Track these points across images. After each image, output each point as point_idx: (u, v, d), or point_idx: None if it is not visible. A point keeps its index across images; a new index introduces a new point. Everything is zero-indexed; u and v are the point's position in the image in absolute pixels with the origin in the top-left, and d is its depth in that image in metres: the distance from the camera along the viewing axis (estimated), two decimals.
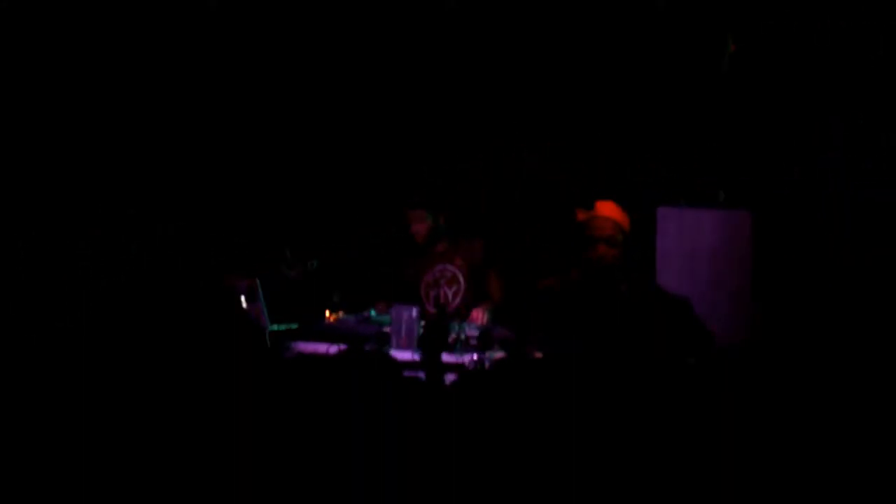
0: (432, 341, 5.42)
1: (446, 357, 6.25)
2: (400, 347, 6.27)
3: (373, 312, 6.86)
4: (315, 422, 3.40)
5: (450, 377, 6.00)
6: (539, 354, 5.39)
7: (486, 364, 5.96)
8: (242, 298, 6.65)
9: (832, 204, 6.98)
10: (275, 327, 6.61)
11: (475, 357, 6.10)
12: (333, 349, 6.18)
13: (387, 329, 6.45)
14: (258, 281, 6.62)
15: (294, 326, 6.64)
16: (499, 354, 6.03)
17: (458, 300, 7.15)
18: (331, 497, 3.28)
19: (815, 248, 6.97)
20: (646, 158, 7.53)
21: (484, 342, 6.27)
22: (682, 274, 6.91)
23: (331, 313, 6.81)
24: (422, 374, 5.90)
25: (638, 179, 7.41)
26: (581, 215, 5.61)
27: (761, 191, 7.11)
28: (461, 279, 7.18)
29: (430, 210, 7.21)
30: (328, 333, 6.51)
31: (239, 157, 8.12)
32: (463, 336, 6.30)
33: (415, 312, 6.36)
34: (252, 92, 8.04)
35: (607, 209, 5.63)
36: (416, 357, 6.16)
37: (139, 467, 3.66)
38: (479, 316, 6.88)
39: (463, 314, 6.97)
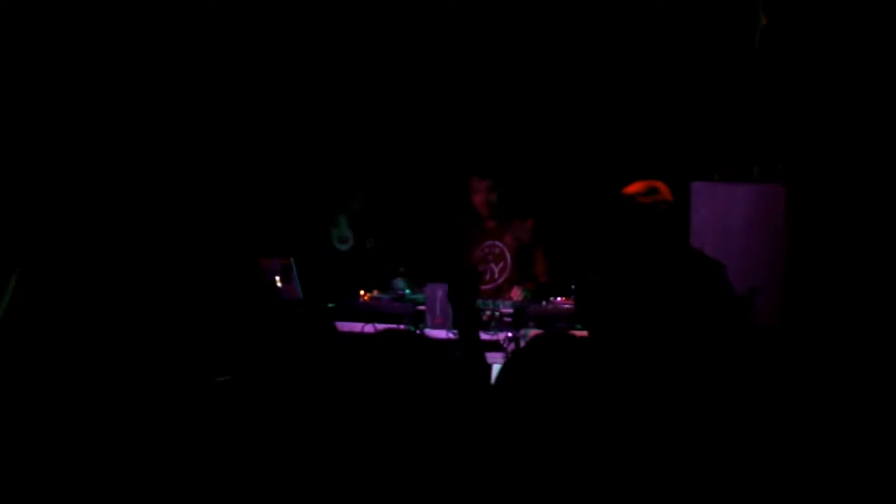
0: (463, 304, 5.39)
1: (481, 335, 6.27)
2: (435, 326, 6.29)
3: (407, 291, 6.87)
4: (351, 400, 3.41)
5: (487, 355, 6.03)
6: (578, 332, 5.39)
7: (521, 342, 5.98)
8: (277, 278, 6.68)
9: (867, 178, 6.95)
10: (310, 307, 6.64)
11: (510, 334, 6.12)
12: (369, 328, 6.21)
13: (421, 307, 6.47)
14: (292, 260, 6.64)
15: (330, 305, 6.67)
16: (533, 332, 6.04)
17: (503, 277, 7.17)
18: (366, 477, 3.29)
19: (851, 224, 6.94)
20: (679, 133, 7.50)
21: (518, 319, 6.29)
22: (716, 249, 6.88)
23: (365, 292, 6.83)
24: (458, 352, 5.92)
25: (671, 154, 7.39)
26: (646, 199, 5.56)
27: (796, 165, 7.07)
28: (508, 256, 7.20)
29: (494, 182, 7.22)
30: (363, 312, 6.54)
31: (284, 136, 8.14)
32: (497, 314, 6.31)
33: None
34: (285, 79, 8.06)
35: (666, 191, 5.59)
36: (451, 335, 6.18)
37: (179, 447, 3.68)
38: (516, 293, 6.90)
39: (505, 291, 6.99)
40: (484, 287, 7.13)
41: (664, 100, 7.58)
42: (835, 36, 7.02)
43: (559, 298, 6.62)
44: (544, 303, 6.59)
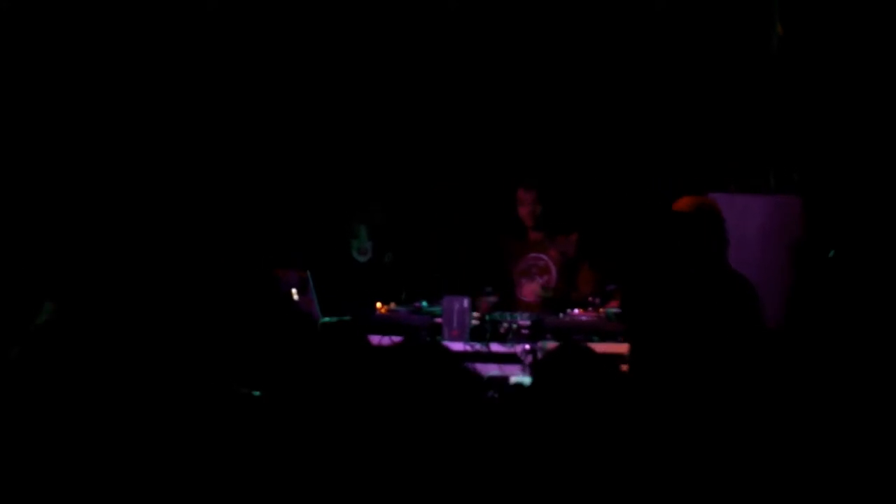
0: None
1: (497, 347, 6.27)
2: (452, 338, 6.29)
3: (424, 303, 6.87)
4: (367, 411, 3.41)
5: (504, 367, 6.03)
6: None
7: (539, 354, 5.98)
8: (294, 291, 6.69)
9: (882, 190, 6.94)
10: (326, 319, 6.64)
11: (527, 347, 6.12)
12: (386, 340, 6.21)
13: (438, 320, 6.47)
14: (309, 273, 6.65)
15: (346, 318, 6.67)
16: (551, 344, 6.04)
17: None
18: (381, 485, 3.29)
19: (866, 234, 6.93)
20: (696, 144, 7.50)
21: (535, 331, 6.29)
22: (732, 260, 6.88)
23: (382, 305, 6.83)
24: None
25: (688, 165, 7.39)
26: (715, 211, 5.56)
27: (811, 175, 7.07)
28: (553, 270, 7.20)
29: (540, 193, 7.23)
30: (380, 325, 6.54)
31: (305, 144, 8.13)
32: (515, 326, 6.31)
33: (466, 303, 6.38)
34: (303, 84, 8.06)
35: (717, 207, 5.60)
36: (468, 348, 6.18)
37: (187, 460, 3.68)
38: (531, 292, 6.92)
39: (554, 306, 6.97)
40: (528, 300, 7.14)
41: (681, 111, 7.58)
42: (851, 45, 7.02)
43: (576, 311, 6.62)
44: (561, 315, 6.59)
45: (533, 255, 7.26)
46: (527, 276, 7.23)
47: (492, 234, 7.47)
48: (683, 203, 5.43)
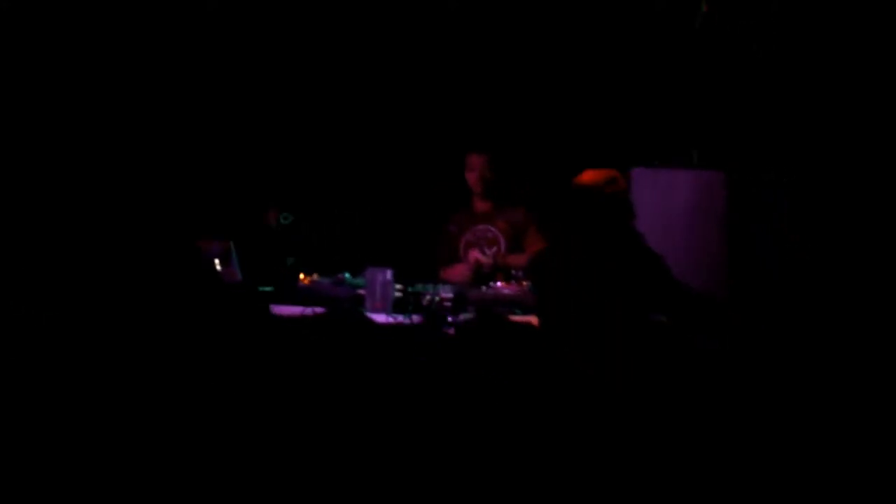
0: None
1: (419, 319, 6.27)
2: (375, 310, 6.28)
3: (347, 275, 6.85)
4: (295, 382, 3.40)
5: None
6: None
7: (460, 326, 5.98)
8: (216, 261, 6.63)
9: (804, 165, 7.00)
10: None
11: (449, 319, 6.11)
12: (308, 311, 6.18)
13: (362, 292, 6.46)
14: (232, 244, 6.61)
15: (269, 289, 6.64)
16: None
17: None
18: (314, 457, 3.28)
19: (790, 209, 6.99)
20: (619, 119, 7.53)
21: (458, 304, 6.28)
22: (657, 234, 6.91)
23: (305, 276, 6.80)
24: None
25: (612, 140, 7.41)
26: (616, 186, 5.57)
27: (735, 151, 7.11)
28: (501, 241, 7.19)
29: (491, 160, 7.21)
30: (303, 296, 6.51)
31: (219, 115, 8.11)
32: (437, 298, 6.31)
33: (389, 275, 6.37)
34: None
35: (622, 179, 5.62)
36: (391, 319, 6.17)
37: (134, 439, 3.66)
38: (478, 256, 6.93)
39: (498, 276, 6.98)
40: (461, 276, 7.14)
41: (603, 84, 7.60)
42: (775, 19, 7.06)
43: (499, 283, 6.62)
44: (484, 288, 6.59)
45: (482, 226, 7.26)
46: (475, 247, 7.22)
47: (436, 207, 7.46)
48: (585, 176, 5.45)
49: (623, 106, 7.54)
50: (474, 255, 7.19)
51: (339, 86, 8.13)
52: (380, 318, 6.14)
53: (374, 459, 3.23)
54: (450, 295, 6.36)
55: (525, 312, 6.16)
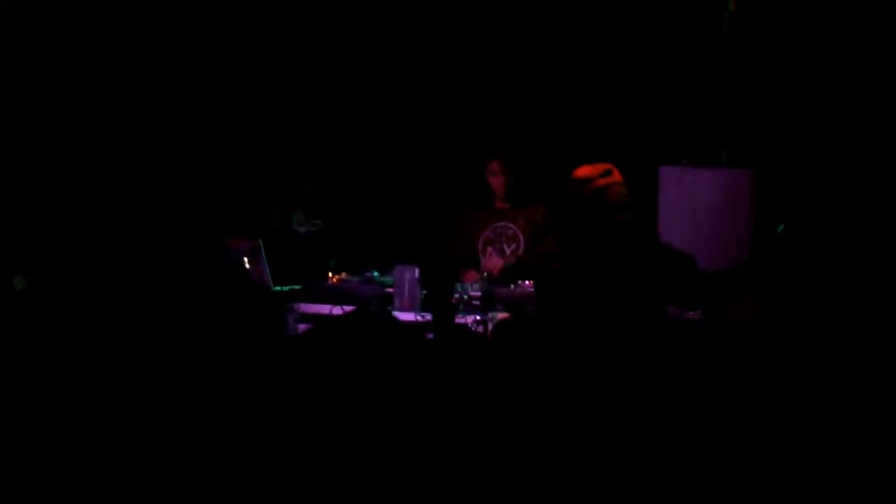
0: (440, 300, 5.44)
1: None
2: (402, 308, 6.30)
3: (375, 273, 6.87)
4: (321, 380, 3.42)
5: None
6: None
7: (489, 325, 6.00)
8: (245, 260, 6.67)
9: (832, 164, 6.99)
10: (278, 288, 6.64)
11: (478, 317, 6.13)
12: (337, 310, 6.21)
13: (390, 290, 6.47)
14: (261, 242, 6.64)
15: (297, 287, 6.66)
16: (501, 315, 6.06)
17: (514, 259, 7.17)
18: (336, 455, 3.31)
19: (815, 208, 6.99)
20: (647, 117, 7.53)
21: (487, 303, 6.30)
22: (683, 233, 6.92)
23: (333, 274, 6.83)
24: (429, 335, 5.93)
25: (639, 138, 7.42)
26: (601, 182, 5.56)
27: (762, 150, 7.11)
28: (521, 238, 7.20)
29: (506, 163, 7.23)
30: (331, 294, 6.54)
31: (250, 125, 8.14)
32: (466, 297, 6.33)
33: (417, 273, 6.38)
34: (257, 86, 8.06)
35: (618, 173, 5.61)
36: (419, 318, 6.19)
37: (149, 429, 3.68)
38: (494, 265, 6.93)
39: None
40: (492, 272, 7.15)
41: (632, 84, 7.60)
42: (802, 20, 7.06)
43: (527, 282, 6.64)
44: (512, 286, 6.61)
45: (501, 223, 7.26)
46: (494, 244, 7.23)
47: (453, 207, 7.48)
48: (578, 171, 5.43)
49: (652, 105, 7.54)
50: (492, 262, 7.19)
51: (362, 90, 8.15)
52: (407, 316, 6.16)
53: (392, 457, 3.25)
54: (478, 293, 6.38)
55: None
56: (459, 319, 6.20)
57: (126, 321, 6.40)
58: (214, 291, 6.59)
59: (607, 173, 5.34)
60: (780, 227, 6.82)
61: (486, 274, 6.86)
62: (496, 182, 7.27)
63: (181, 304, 6.50)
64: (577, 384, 4.06)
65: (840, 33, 6.98)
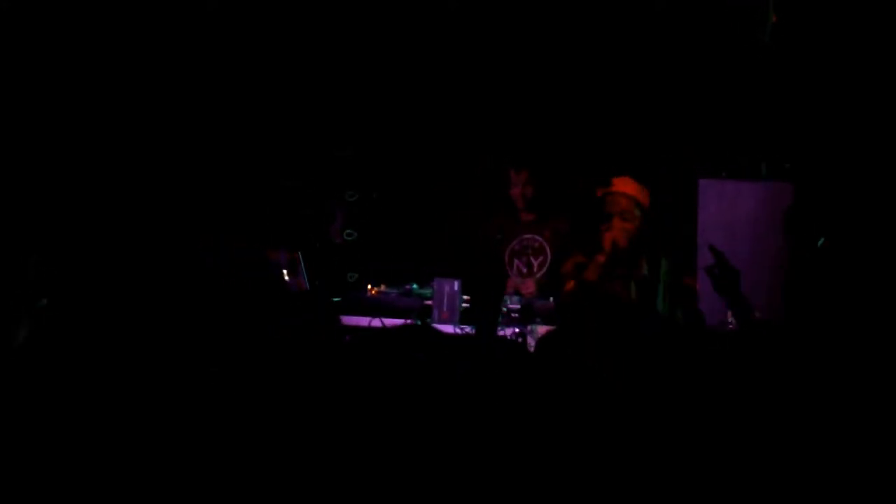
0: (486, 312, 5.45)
1: None
2: (442, 321, 6.31)
3: (415, 286, 6.88)
4: (360, 393, 3.41)
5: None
6: None
7: (529, 337, 5.99)
8: (284, 272, 6.69)
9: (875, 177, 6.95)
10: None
11: (517, 330, 6.13)
12: (376, 322, 6.22)
13: (429, 302, 6.48)
14: (300, 254, 6.66)
15: (336, 300, 6.68)
16: (541, 328, 6.05)
17: (542, 271, 7.15)
18: (375, 472, 3.29)
19: (856, 222, 6.95)
20: (687, 130, 7.51)
21: (526, 315, 6.30)
22: (723, 246, 6.88)
23: (372, 287, 6.84)
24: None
25: (679, 152, 7.40)
26: (599, 192, 5.59)
27: (803, 163, 7.08)
28: (548, 251, 7.18)
29: (531, 174, 7.23)
30: (370, 307, 6.55)
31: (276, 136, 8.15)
32: (505, 309, 6.32)
33: (456, 286, 6.39)
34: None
35: (622, 184, 5.62)
36: (458, 331, 6.20)
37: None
38: (530, 287, 6.91)
39: (547, 286, 6.96)
40: (524, 280, 7.12)
41: (672, 96, 7.59)
42: (844, 33, 7.03)
43: None
44: (551, 298, 6.60)
45: (528, 235, 7.25)
46: (521, 256, 7.22)
47: (480, 216, 7.46)
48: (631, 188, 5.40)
49: (692, 117, 7.52)
50: (527, 287, 7.15)
51: (394, 101, 8.16)
52: (447, 328, 6.16)
53: (427, 470, 3.24)
54: (517, 306, 6.38)
55: None
56: (498, 332, 6.20)
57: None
58: (252, 302, 6.60)
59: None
60: (821, 241, 6.77)
61: (516, 291, 6.86)
62: (514, 192, 7.25)
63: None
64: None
65: (883, 47, 6.94)
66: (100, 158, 7.62)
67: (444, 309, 6.37)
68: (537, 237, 7.23)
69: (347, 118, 8.18)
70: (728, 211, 7.05)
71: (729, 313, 5.85)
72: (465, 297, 6.49)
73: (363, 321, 6.36)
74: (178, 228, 7.67)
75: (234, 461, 3.45)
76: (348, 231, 7.54)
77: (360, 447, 3.24)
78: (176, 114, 7.83)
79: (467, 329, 6.24)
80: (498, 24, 7.93)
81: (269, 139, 8.11)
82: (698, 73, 7.48)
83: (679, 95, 7.58)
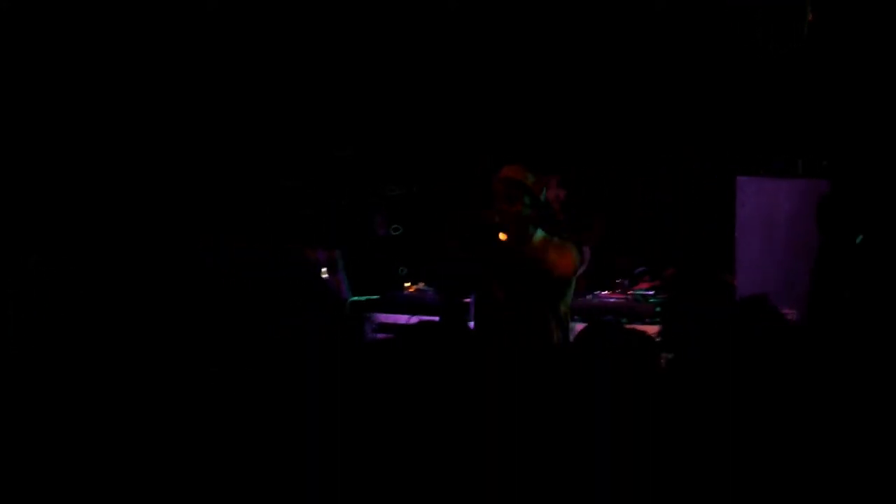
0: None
1: None
2: None
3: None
4: (394, 391, 3.43)
5: None
6: None
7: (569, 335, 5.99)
8: (323, 270, 6.72)
9: None
10: (355, 298, 6.68)
11: None
12: (413, 320, 6.23)
13: (467, 300, 6.49)
14: (338, 252, 6.69)
15: (375, 297, 6.70)
16: (580, 325, 6.04)
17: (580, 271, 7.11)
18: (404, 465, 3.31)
19: (894, 218, 6.93)
20: (725, 128, 7.51)
21: None
22: (762, 243, 6.89)
23: (411, 284, 6.86)
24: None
25: (717, 149, 7.40)
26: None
27: (840, 160, 7.06)
28: (585, 251, 7.15)
29: (563, 178, 7.23)
30: (407, 304, 6.56)
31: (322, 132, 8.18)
32: None
33: None
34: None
35: (509, 170, 5.70)
36: None
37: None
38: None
39: (580, 286, 6.93)
40: None
41: (710, 95, 7.59)
42: (881, 31, 7.01)
43: (604, 292, 6.63)
44: (589, 296, 6.60)
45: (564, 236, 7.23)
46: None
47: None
48: None
49: (731, 115, 7.51)
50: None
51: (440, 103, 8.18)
52: None
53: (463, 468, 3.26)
54: None
55: (631, 321, 6.17)
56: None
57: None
58: (292, 300, 6.64)
59: None
60: (860, 238, 6.76)
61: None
62: (554, 195, 7.24)
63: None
64: None
65: None
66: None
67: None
68: (574, 237, 7.22)
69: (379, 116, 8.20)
70: (766, 208, 7.05)
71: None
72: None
73: (401, 318, 6.39)
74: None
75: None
76: (394, 226, 7.55)
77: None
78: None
79: None
80: (528, 22, 7.94)
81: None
82: (736, 72, 7.47)
83: (717, 94, 7.57)
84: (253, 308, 6.47)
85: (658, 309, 6.32)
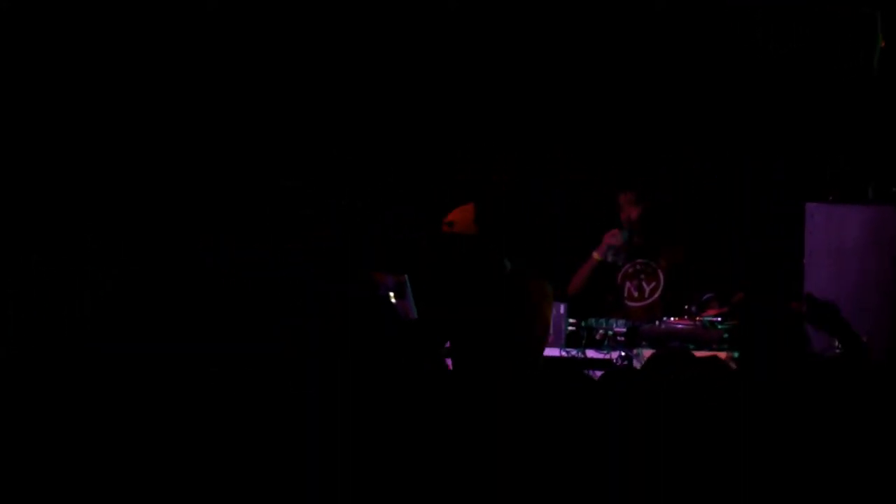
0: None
1: (593, 353, 6.30)
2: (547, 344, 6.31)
3: None
4: (457, 416, 3.45)
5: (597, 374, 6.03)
6: None
7: (634, 361, 6.01)
8: (391, 294, 6.73)
9: None
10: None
11: (622, 353, 6.14)
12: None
13: None
14: (407, 277, 6.69)
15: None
16: (647, 351, 6.06)
17: (655, 296, 7.08)
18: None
19: None
20: (794, 154, 7.47)
21: (631, 339, 6.30)
22: (830, 271, 6.84)
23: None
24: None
25: (786, 176, 7.36)
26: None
27: None
28: (661, 279, 7.12)
29: (639, 195, 7.20)
30: None
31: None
32: (610, 332, 6.33)
33: (562, 308, 6.40)
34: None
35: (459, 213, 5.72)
36: (564, 353, 6.21)
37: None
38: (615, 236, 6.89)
39: (657, 309, 6.91)
40: (634, 305, 7.09)
41: (779, 121, 7.56)
42: None
43: (672, 318, 6.62)
44: (657, 323, 6.59)
45: (641, 260, 7.19)
46: (633, 279, 7.18)
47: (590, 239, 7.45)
48: None
49: (800, 142, 7.48)
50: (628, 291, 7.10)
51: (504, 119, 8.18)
52: (552, 351, 6.17)
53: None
54: (623, 329, 6.38)
55: (699, 347, 6.16)
56: (604, 355, 6.22)
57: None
58: (358, 325, 6.63)
59: None
60: None
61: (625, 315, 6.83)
62: (624, 215, 7.22)
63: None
64: None
65: None
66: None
67: (550, 332, 6.37)
68: (652, 262, 7.17)
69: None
70: (835, 234, 7.01)
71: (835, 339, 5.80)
72: (571, 319, 6.49)
73: None
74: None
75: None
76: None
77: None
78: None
79: (574, 352, 6.26)
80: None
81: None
82: (805, 97, 7.44)
83: (785, 119, 7.54)
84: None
85: (726, 336, 6.29)
